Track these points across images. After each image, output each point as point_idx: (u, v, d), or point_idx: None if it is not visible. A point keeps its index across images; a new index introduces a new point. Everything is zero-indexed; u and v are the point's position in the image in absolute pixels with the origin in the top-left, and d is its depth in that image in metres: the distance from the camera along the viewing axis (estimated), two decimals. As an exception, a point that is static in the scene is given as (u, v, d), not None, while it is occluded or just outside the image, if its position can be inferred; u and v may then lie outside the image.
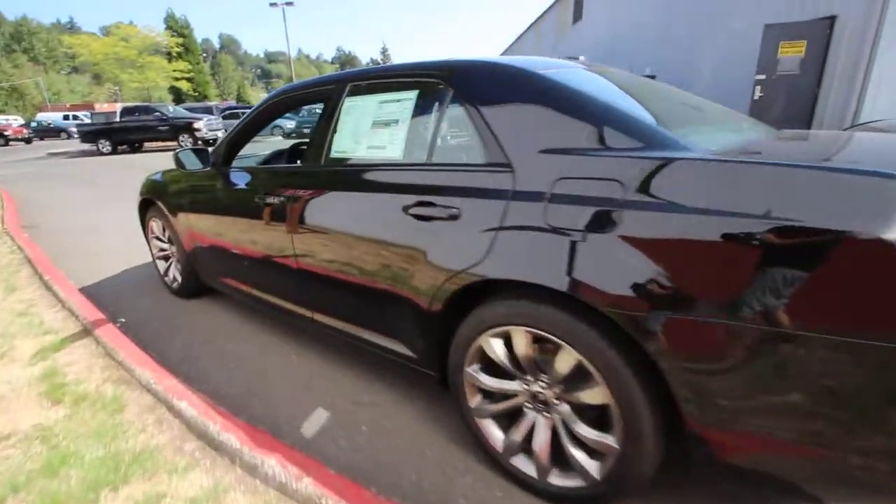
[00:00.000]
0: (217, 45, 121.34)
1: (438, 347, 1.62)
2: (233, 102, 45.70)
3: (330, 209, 1.83)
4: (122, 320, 2.86)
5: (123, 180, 9.36)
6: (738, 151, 1.27)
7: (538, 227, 1.26)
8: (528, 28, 29.10)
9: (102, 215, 5.90)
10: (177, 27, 43.13)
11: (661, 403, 1.17)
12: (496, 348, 1.45)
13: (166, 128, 16.12)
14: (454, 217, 1.44)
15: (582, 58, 1.92)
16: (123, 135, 16.27)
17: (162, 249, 3.26)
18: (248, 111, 2.42)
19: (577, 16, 19.47)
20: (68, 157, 15.89)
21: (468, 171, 1.46)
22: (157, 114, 16.33)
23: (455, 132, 1.58)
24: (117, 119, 16.57)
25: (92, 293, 3.29)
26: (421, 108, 1.66)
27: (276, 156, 2.95)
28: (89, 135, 16.54)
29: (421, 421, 1.88)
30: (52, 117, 30.16)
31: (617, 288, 1.12)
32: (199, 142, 16.29)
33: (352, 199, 1.76)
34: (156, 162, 12.35)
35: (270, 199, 2.07)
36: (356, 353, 2.30)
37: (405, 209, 1.56)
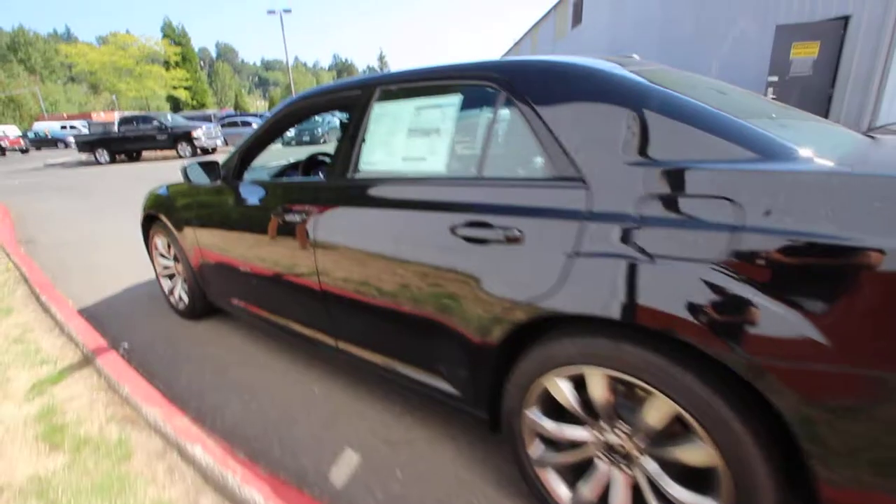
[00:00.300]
0: (214, 54, 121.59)
1: (490, 386, 1.43)
2: (231, 110, 45.63)
3: (359, 227, 1.64)
4: (126, 345, 2.66)
5: (122, 191, 9.16)
6: (861, 162, 1.08)
7: (625, 255, 1.07)
8: (525, 34, 29.08)
9: (101, 229, 5.70)
10: (174, 36, 43.06)
11: (783, 461, 0.98)
12: (565, 391, 1.25)
13: (165, 137, 15.96)
14: (514, 240, 1.25)
15: (636, 55, 1.73)
16: (121, 144, 16.10)
17: (167, 268, 3.06)
18: (262, 120, 2.23)
19: (577, 19, 19.41)
20: (65, 167, 15.67)
21: (530, 186, 1.27)
22: (155, 122, 16.16)
23: (511, 142, 1.39)
24: (115, 128, 16.41)
25: (92, 314, 3.09)
26: (467, 115, 1.47)
27: (291, 168, 2.76)
28: (86, 145, 16.35)
29: (463, 464, 1.68)
30: (49, 127, 29.96)
31: (734, 328, 0.93)
32: (199, 150, 16.16)
33: (386, 216, 1.57)
34: (155, 172, 12.16)
35: (290, 216, 1.88)
36: (384, 383, 2.10)
37: (452, 230, 1.37)
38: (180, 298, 2.98)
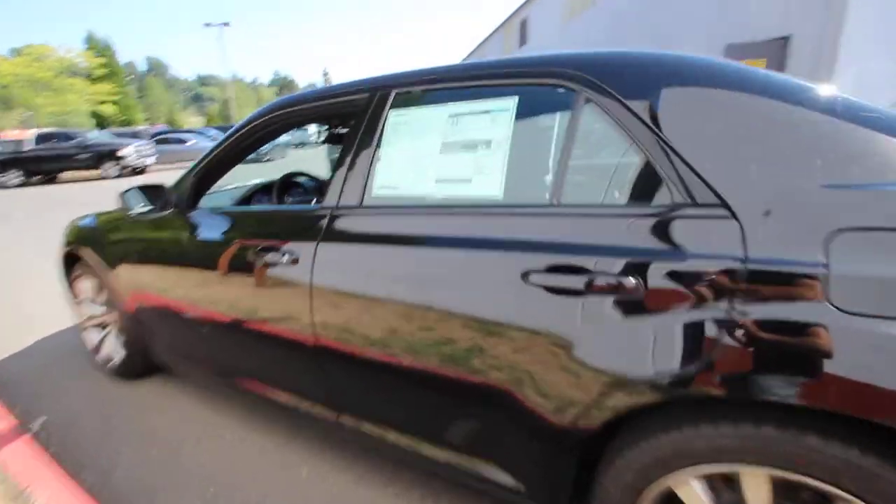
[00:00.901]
0: (144, 68, 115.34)
1: (573, 481, 1.06)
2: (164, 126, 43.11)
3: (379, 269, 1.23)
4: (42, 421, 2.06)
5: (38, 218, 8.07)
6: None
7: (813, 317, 0.74)
8: (471, 54, 29.56)
9: (13, 263, 4.84)
10: (98, 48, 40.23)
11: None
12: (701, 494, 0.90)
13: (87, 155, 14.55)
14: (628, 292, 0.89)
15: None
16: (37, 164, 14.50)
17: (95, 317, 2.46)
18: (225, 135, 1.76)
19: (523, 40, 19.86)
20: (-32, 190, 13.88)
21: (639, 216, 0.93)
22: (76, 140, 14.72)
23: (603, 158, 1.06)
24: (30, 147, 14.78)
25: (-5, 380, 2.44)
26: (530, 124, 1.12)
27: (260, 192, 2.28)
28: (-3, 165, 14.61)
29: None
30: (-51, 146, 26.70)
31: None
32: (127, 168, 14.86)
33: (417, 255, 1.17)
34: (78, 194, 10.94)
35: (273, 255, 1.43)
36: (396, 462, 1.67)
37: (524, 276, 0.99)
38: (110, 356, 2.39)
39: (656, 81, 0.97)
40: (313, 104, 1.54)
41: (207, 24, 32.09)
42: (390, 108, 1.31)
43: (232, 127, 1.72)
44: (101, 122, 36.46)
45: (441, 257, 1.12)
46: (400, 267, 1.19)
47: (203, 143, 19.87)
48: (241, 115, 54.44)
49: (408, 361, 1.21)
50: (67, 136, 15.05)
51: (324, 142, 2.30)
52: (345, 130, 2.28)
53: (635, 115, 0.95)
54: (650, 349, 0.86)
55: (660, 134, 0.92)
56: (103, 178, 14.64)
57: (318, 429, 1.74)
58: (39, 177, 14.78)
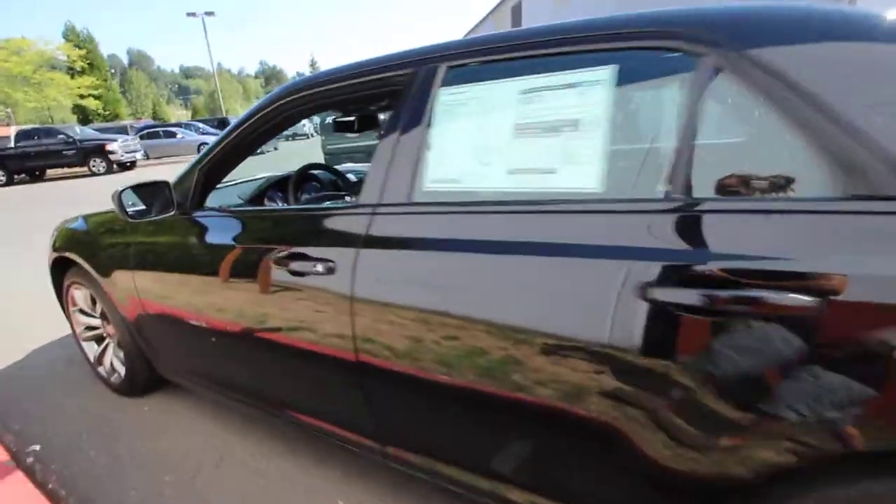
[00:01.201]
0: (126, 61, 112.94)
1: None
2: (149, 120, 42.25)
3: (435, 279, 1.03)
4: (36, 449, 1.86)
5: (25, 219, 7.76)
6: None
7: None
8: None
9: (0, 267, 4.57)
10: (77, 41, 39.08)
11: None
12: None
13: (73, 151, 14.14)
14: (799, 317, 0.70)
15: None
16: (20, 162, 14.09)
17: (91, 329, 2.24)
18: (234, 123, 1.54)
19: (516, 24, 19.49)
20: (-51, 190, 13.43)
21: (817, 214, 0.73)
22: (61, 136, 14.30)
23: (736, 140, 0.85)
24: (11, 144, 14.31)
25: (-18, 400, 2.22)
26: (636, 97, 0.92)
27: (273, 188, 2.05)
28: (-25, 164, 14.16)
29: None
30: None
31: None
32: (115, 165, 14.46)
33: (486, 262, 0.96)
34: (65, 192, 10.58)
35: (301, 264, 1.22)
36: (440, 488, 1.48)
37: (645, 290, 0.79)
38: (113, 369, 2.18)
39: (815, 40, 0.76)
40: (339, 85, 1.31)
41: (191, 14, 31.12)
42: (441, 86, 1.10)
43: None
44: (85, 117, 35.60)
45: (520, 265, 0.92)
46: (466, 277, 0.98)
47: (191, 137, 19.44)
48: (228, 107, 53.44)
49: (475, 388, 1.01)
50: (49, 132, 14.61)
51: (336, 130, 2.06)
52: (349, 118, 2.05)
53: (791, 85, 0.74)
54: (834, 392, 0.67)
55: (828, 108, 0.72)
56: (93, 173, 14.24)
57: (351, 452, 1.55)
58: (22, 175, 14.34)
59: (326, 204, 1.71)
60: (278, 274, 1.29)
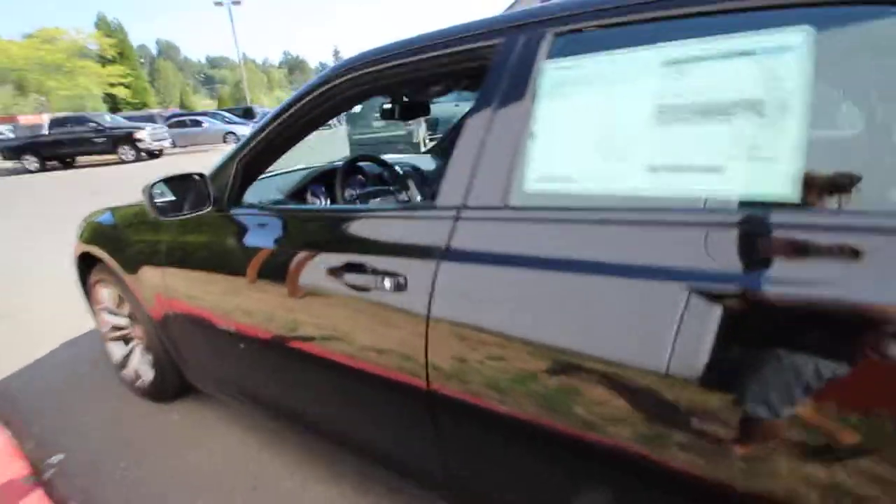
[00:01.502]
0: (155, 52, 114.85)
1: None
2: (177, 109, 42.88)
3: (543, 301, 0.80)
4: (58, 459, 1.72)
5: (53, 206, 7.81)
6: None
7: None
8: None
9: (28, 258, 4.52)
10: (109, 31, 39.76)
11: None
12: None
13: (103, 139, 14.34)
14: None
15: None
16: (53, 149, 14.33)
17: (118, 329, 2.10)
18: (277, 108, 1.33)
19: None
20: (-14, 176, 13.75)
21: None
22: (91, 124, 14.51)
23: None
24: (45, 132, 14.58)
25: (4, 397, 2.11)
26: (848, 70, 0.67)
27: (315, 182, 1.84)
28: (12, 151, 14.51)
29: None
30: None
31: None
32: (143, 153, 14.60)
33: (620, 288, 0.73)
34: (97, 180, 10.67)
35: (358, 276, 1.02)
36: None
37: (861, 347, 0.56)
38: (138, 375, 2.03)
39: None
40: (407, 60, 1.08)
41: (218, 3, 31.27)
42: (547, 59, 0.87)
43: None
44: (115, 106, 36.30)
45: (668, 296, 0.69)
46: (586, 305, 0.76)
47: (216, 126, 19.53)
48: (253, 96, 53.80)
49: (588, 441, 0.79)
50: (80, 120, 14.85)
51: (384, 117, 1.83)
52: (396, 104, 1.83)
53: None
54: None
55: None
56: (122, 161, 14.41)
57: (399, 488, 1.35)
58: (55, 162, 14.61)
59: (376, 202, 1.50)
60: (331, 284, 1.09)
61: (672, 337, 0.68)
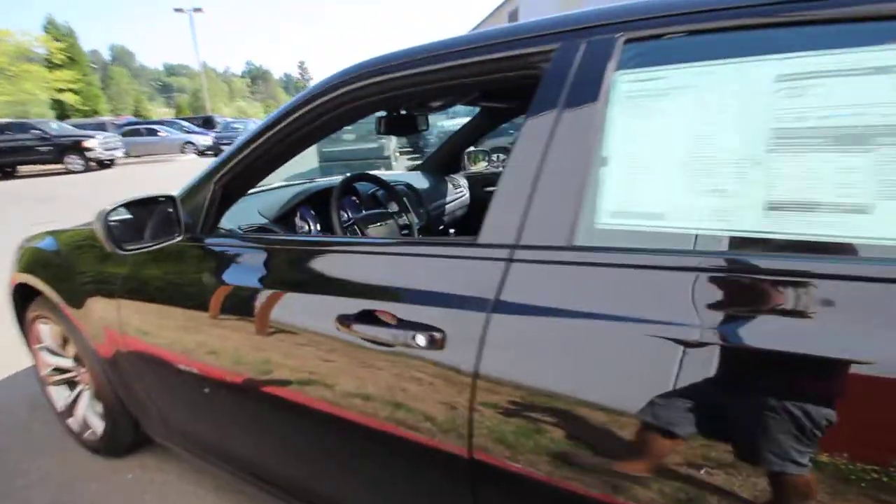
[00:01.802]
0: (108, 57, 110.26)
1: None
2: (131, 117, 41.01)
3: (633, 363, 0.64)
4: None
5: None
6: None
7: None
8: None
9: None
10: (58, 34, 37.73)
11: None
12: None
13: (48, 147, 13.42)
14: None
15: None
16: (-10, 157, 13.27)
17: (61, 370, 1.80)
18: (265, 121, 1.13)
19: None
20: (-88, 186, 12.55)
21: None
22: (35, 131, 13.57)
23: None
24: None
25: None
26: None
27: (305, 205, 1.61)
28: (-58, 159, 13.35)
29: None
30: None
31: None
32: (93, 163, 13.74)
33: (734, 357, 0.58)
34: (35, 190, 9.88)
35: (377, 329, 0.83)
36: None
37: None
38: (86, 425, 1.73)
39: None
40: (435, 67, 0.91)
41: (178, 10, 30.27)
42: (618, 69, 0.72)
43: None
44: (63, 113, 34.32)
45: (802, 368, 0.54)
46: (685, 370, 0.60)
47: (175, 136, 18.74)
48: (214, 106, 52.19)
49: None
50: (23, 127, 13.85)
51: (386, 131, 1.61)
52: (394, 116, 1.63)
53: None
54: None
55: None
56: (69, 171, 13.51)
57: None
58: (-7, 171, 13.56)
59: (376, 228, 1.30)
60: (339, 335, 0.89)
61: (809, 426, 0.53)
